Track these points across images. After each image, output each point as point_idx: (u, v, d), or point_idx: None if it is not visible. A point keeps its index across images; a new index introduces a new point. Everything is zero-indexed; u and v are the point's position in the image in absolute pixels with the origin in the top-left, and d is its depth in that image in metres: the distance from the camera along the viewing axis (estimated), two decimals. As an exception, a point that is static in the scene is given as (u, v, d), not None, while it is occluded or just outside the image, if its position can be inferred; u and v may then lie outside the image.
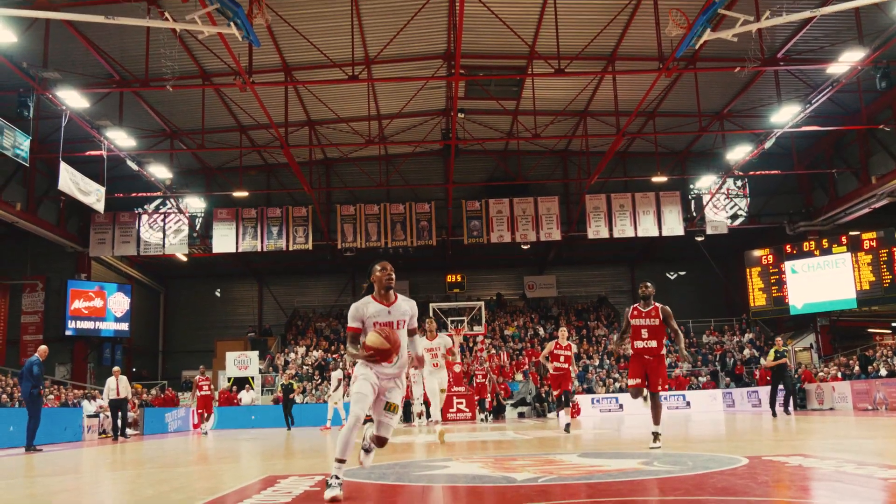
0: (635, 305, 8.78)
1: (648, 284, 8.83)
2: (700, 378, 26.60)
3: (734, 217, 27.56)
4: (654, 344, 8.39)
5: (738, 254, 28.97)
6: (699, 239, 27.17)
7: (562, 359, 12.80)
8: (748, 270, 28.39)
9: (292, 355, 27.95)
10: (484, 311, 26.60)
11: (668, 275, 32.83)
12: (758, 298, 28.23)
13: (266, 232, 26.13)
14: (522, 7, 17.62)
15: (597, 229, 26.27)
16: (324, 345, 29.14)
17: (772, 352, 16.96)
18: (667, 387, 9.23)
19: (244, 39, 12.94)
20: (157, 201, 27.11)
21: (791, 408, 17.17)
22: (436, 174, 28.36)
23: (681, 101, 22.51)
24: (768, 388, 17.36)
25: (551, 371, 13.07)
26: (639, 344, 8.45)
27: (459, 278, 31.61)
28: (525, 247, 27.70)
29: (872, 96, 21.03)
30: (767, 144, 21.01)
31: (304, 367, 27.09)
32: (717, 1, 12.94)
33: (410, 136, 24.54)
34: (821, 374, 22.27)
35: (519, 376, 25.34)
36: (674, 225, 26.16)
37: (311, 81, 19.78)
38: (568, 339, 13.01)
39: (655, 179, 24.83)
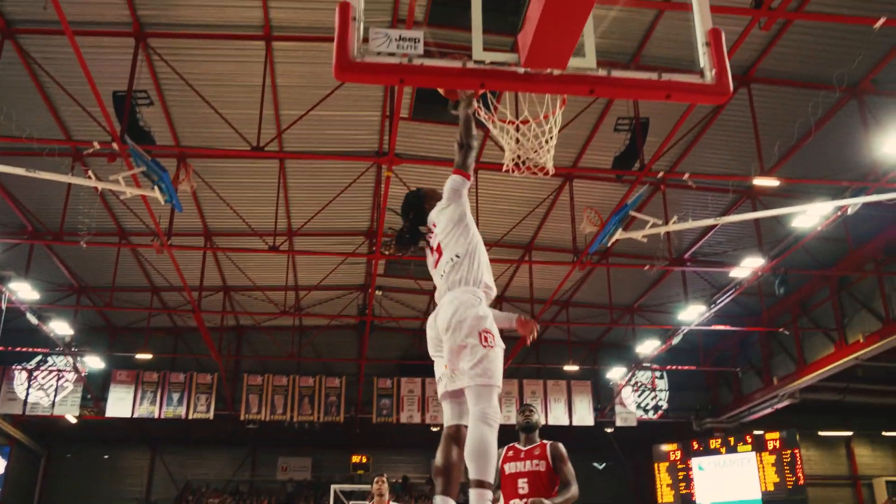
0: (511, 445, 6.26)
1: (533, 408, 6.44)
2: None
3: (656, 408, 27.70)
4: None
5: (647, 447, 29.05)
6: (609, 430, 27.24)
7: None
8: (656, 465, 28.38)
9: (181, 532, 26.16)
10: (389, 494, 25.60)
11: (594, 464, 32.51)
12: (666, 494, 28.06)
13: (166, 398, 25.07)
14: (445, 193, 18.20)
15: (508, 414, 26.05)
16: (216, 523, 27.42)
17: None
18: None
19: (167, 203, 12.94)
20: (54, 358, 25.91)
21: None
22: (349, 349, 28.06)
23: (593, 293, 23.22)
24: None
25: None
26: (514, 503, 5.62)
27: (365, 459, 30.58)
28: (435, 429, 27.20)
29: (773, 300, 22.09)
30: (675, 340, 21.65)
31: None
32: (627, 204, 13.67)
33: (326, 308, 24.46)
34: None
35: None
36: (584, 415, 26.23)
37: (230, 249, 19.75)
38: None
39: (567, 368, 25.12)
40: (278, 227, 17.94)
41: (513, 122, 4.60)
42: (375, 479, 9.10)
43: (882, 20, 10.87)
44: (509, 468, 6.03)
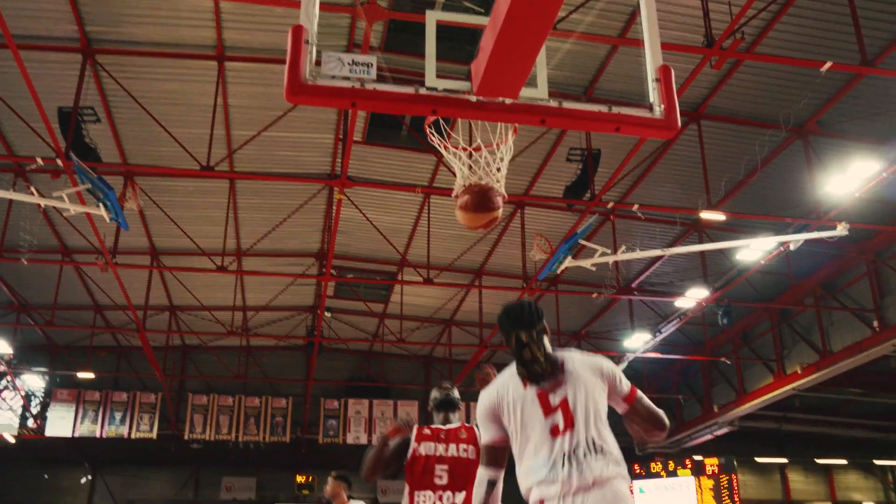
0: (421, 427, 5.02)
1: (451, 384, 5.40)
2: None
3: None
4: (460, 498, 4.49)
5: (591, 473, 29.19)
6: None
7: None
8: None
9: (117, 556, 25.46)
10: (345, 490, 25.32)
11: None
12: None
13: (108, 417, 24.51)
14: (397, 217, 18.26)
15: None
16: (154, 546, 26.77)
17: None
18: None
19: (112, 221, 12.71)
20: (-8, 376, 25.17)
21: None
22: (296, 370, 27.76)
23: (542, 318, 23.33)
24: None
25: None
26: (424, 497, 4.65)
27: (310, 479, 30.20)
28: (381, 452, 27.02)
29: (715, 330, 22.46)
30: (621, 367, 21.85)
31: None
32: (577, 233, 13.85)
33: (274, 329, 24.20)
34: None
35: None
36: (530, 440, 26.29)
37: (177, 268, 19.46)
38: None
39: (514, 393, 25.16)
40: (227, 247, 17.74)
41: (465, 149, 4.63)
42: (328, 481, 8.61)
43: (828, 64, 11.22)
44: (425, 449, 4.69)
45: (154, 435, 24.83)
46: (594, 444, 3.01)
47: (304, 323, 24.45)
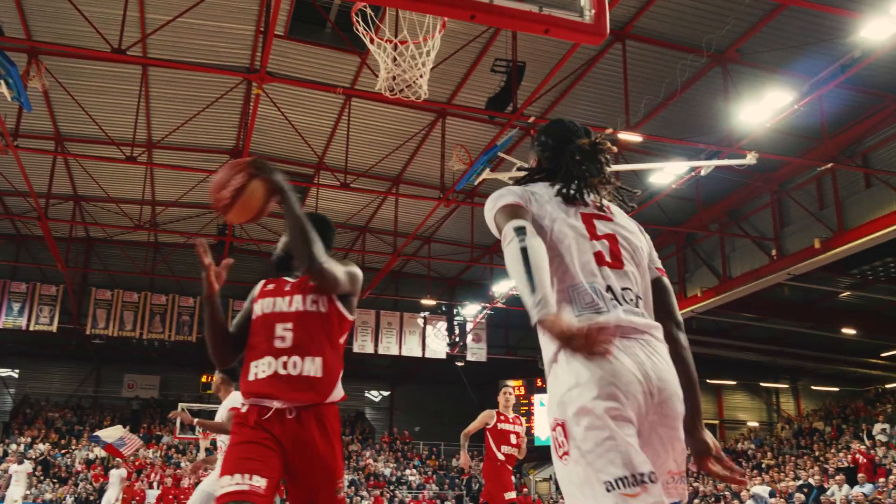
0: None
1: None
2: (446, 501, 26.83)
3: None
4: (311, 366, 5.64)
5: (495, 382, 30.08)
6: (460, 364, 27.99)
7: (512, 439, 8.69)
8: (501, 399, 29.46)
9: (14, 446, 25.13)
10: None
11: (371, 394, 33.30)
12: (507, 427, 29.23)
13: (6, 308, 23.82)
14: (316, 118, 17.91)
15: (363, 344, 26.36)
16: (53, 437, 26.50)
17: None
18: None
19: (14, 101, 12.07)
20: None
21: None
22: (206, 269, 27.31)
23: (456, 230, 23.56)
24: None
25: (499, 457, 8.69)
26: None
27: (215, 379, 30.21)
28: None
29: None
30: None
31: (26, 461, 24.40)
32: (497, 144, 13.88)
33: (184, 226, 23.68)
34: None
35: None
36: (437, 348, 26.84)
37: (83, 156, 18.68)
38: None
39: (425, 302, 25.52)
40: (137, 138, 17.12)
41: (391, 41, 4.53)
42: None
43: (752, -10, 11.37)
44: (262, 307, 3.64)
45: (54, 328, 24.30)
46: (645, 297, 2.46)
47: (216, 221, 24.01)
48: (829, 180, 17.45)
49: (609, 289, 2.35)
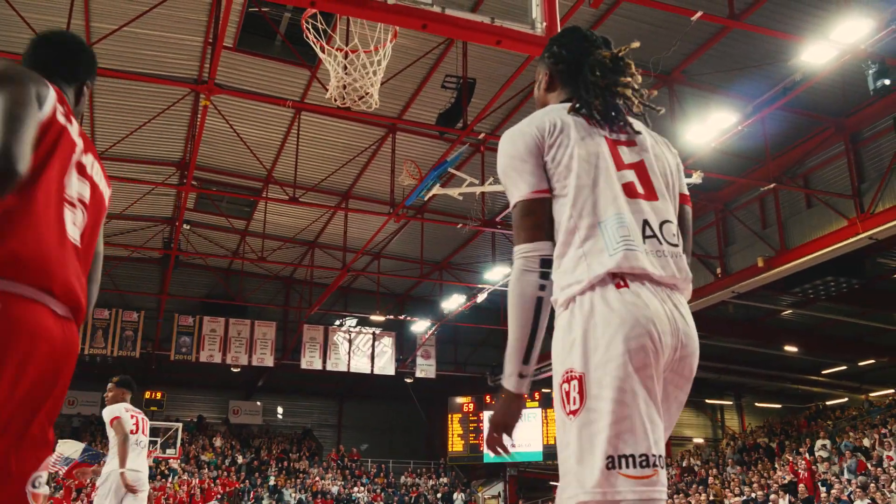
0: None
1: None
2: (394, 521, 26.62)
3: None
4: None
5: (444, 399, 30.01)
6: (408, 381, 27.87)
7: None
8: (450, 416, 29.43)
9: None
10: (181, 433, 25.01)
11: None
12: (456, 444, 29.20)
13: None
14: (265, 131, 17.74)
15: (311, 360, 26.10)
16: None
17: None
18: None
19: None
20: None
21: None
22: (150, 283, 26.86)
23: (406, 246, 23.50)
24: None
25: None
26: None
27: (159, 395, 29.60)
28: (235, 370, 26.76)
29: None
30: (479, 299, 22.37)
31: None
32: (447, 160, 13.90)
33: (128, 239, 23.19)
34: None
35: (210, 506, 23.83)
36: (386, 364, 26.69)
37: (24, 165, 18.22)
38: None
39: (374, 318, 25.37)
40: (81, 148, 16.73)
41: (341, 50, 4.49)
42: (109, 386, 7.79)
43: (699, 14, 11.61)
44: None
45: (-9, 342, 23.60)
46: (679, 237, 2.20)
47: (161, 235, 23.59)
48: (772, 200, 17.84)
49: (646, 223, 2.07)
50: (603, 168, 2.10)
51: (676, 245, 2.13)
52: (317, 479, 28.21)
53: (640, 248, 2.01)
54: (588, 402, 1.86)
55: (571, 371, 1.95)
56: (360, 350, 26.79)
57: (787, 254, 17.33)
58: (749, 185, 17.64)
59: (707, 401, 34.70)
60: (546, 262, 2.04)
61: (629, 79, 2.31)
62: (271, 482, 27.49)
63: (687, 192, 2.37)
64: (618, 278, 1.96)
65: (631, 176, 2.13)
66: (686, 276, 2.13)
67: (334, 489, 27.80)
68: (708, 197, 19.01)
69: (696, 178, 14.71)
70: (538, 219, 2.09)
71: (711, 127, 13.88)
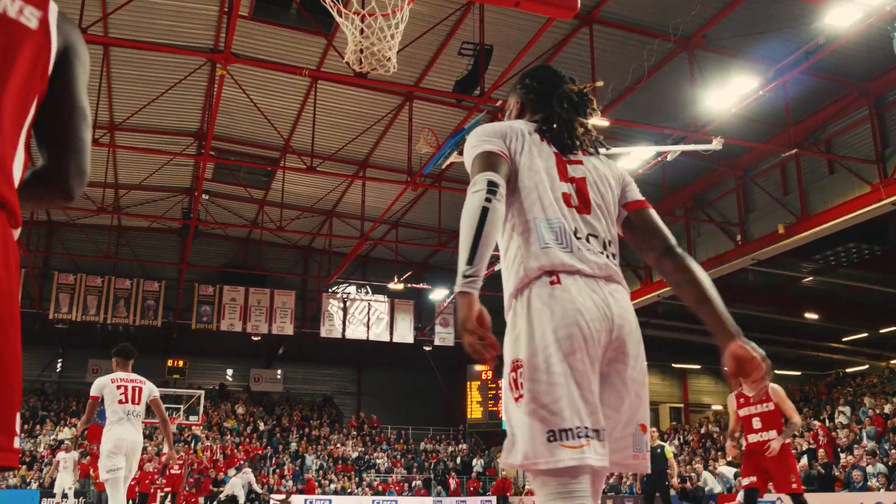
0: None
1: None
2: (414, 483, 26.90)
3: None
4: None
5: (462, 366, 30.14)
6: (427, 349, 27.99)
7: (756, 423, 7.22)
8: (469, 384, 29.58)
9: (-26, 433, 24.72)
10: (203, 400, 25.35)
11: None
12: (475, 411, 29.39)
13: (-36, 291, 23.36)
14: (282, 100, 17.71)
15: (330, 328, 26.25)
16: (14, 424, 26.15)
17: None
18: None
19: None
20: None
21: None
22: (170, 253, 27.08)
23: (423, 214, 23.49)
24: (476, 498, 17.79)
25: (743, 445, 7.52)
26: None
27: (181, 363, 29.98)
28: (255, 338, 26.99)
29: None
30: (497, 267, 22.30)
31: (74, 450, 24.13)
32: (465, 127, 13.82)
33: (148, 209, 23.35)
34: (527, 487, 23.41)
35: (232, 472, 24.13)
36: (405, 332, 26.79)
37: (44, 137, 18.31)
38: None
39: (392, 286, 25.43)
40: (99, 119, 16.82)
41: (359, 13, 4.45)
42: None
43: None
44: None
45: (15, 312, 23.94)
46: (612, 244, 2.41)
47: (181, 205, 23.71)
48: (794, 166, 17.64)
49: (575, 231, 2.31)
50: (547, 177, 2.36)
51: (602, 253, 2.33)
52: (337, 445, 28.54)
53: (570, 249, 2.26)
54: (529, 387, 2.12)
55: (517, 361, 2.20)
56: (378, 319, 26.92)
57: (809, 220, 17.16)
58: (770, 151, 17.42)
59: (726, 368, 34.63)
60: (493, 183, 2.22)
61: (590, 114, 2.56)
62: (292, 448, 27.85)
63: (642, 198, 2.58)
64: (552, 275, 2.20)
65: (570, 189, 2.38)
66: (618, 271, 2.35)
67: (354, 455, 28.13)
68: (728, 163, 18.82)
69: (717, 144, 14.55)
70: (493, 161, 2.33)
71: (732, 92, 13.70)
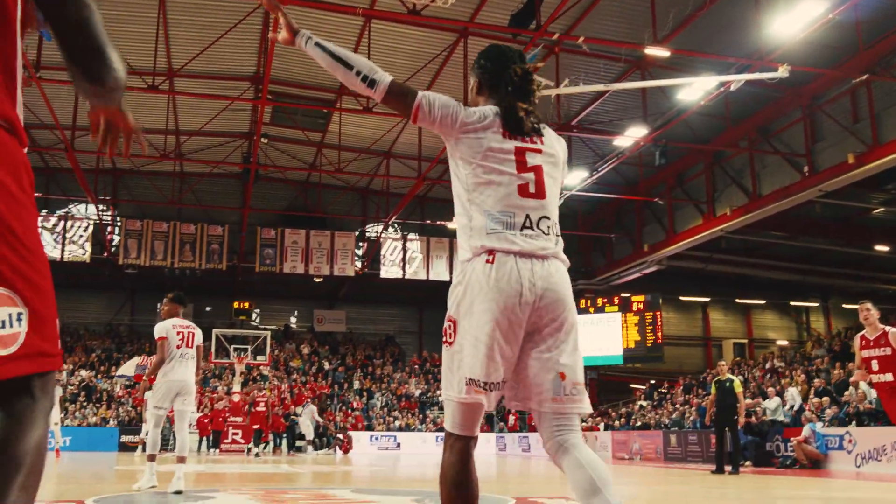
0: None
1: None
2: (476, 423, 27.40)
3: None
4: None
5: (522, 305, 30.15)
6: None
7: (874, 366, 7.35)
8: (529, 321, 29.66)
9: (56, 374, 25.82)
10: (270, 341, 25.99)
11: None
12: (536, 349, 29.52)
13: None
14: (336, 41, 17.51)
15: (390, 269, 26.52)
16: (94, 363, 27.22)
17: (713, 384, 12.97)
18: None
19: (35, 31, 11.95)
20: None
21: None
22: (232, 198, 27.54)
23: (481, 153, 23.33)
24: (537, 434, 17.92)
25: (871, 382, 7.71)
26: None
27: (247, 306, 30.68)
28: (318, 280, 27.43)
29: (650, 171, 22.83)
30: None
31: (69, 388, 25.11)
32: (521, 63, 13.58)
33: (209, 155, 23.72)
34: (584, 424, 23.56)
35: (299, 409, 24.84)
36: (464, 272, 26.96)
37: (106, 85, 18.62)
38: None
39: (451, 225, 25.50)
40: (158, 66, 17.01)
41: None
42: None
43: None
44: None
45: (87, 258, 24.68)
46: (556, 229, 2.65)
47: (240, 149, 24.00)
48: (864, 93, 16.95)
49: (528, 217, 2.57)
50: (506, 167, 2.57)
51: (548, 235, 2.59)
52: (401, 383, 29.08)
53: (513, 233, 2.53)
54: (457, 339, 2.53)
55: (451, 317, 2.56)
56: (439, 258, 27.06)
57: (880, 149, 16.55)
58: (839, 78, 16.78)
59: (791, 303, 34.07)
60: (372, 81, 2.76)
61: (532, 92, 2.70)
62: (356, 386, 28.47)
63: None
64: (491, 254, 2.49)
65: (528, 178, 2.59)
66: (559, 251, 2.61)
67: (417, 392, 28.63)
68: (794, 92, 18.20)
69: (783, 71, 14.09)
70: (407, 87, 2.75)
71: (799, 17, 13.17)
